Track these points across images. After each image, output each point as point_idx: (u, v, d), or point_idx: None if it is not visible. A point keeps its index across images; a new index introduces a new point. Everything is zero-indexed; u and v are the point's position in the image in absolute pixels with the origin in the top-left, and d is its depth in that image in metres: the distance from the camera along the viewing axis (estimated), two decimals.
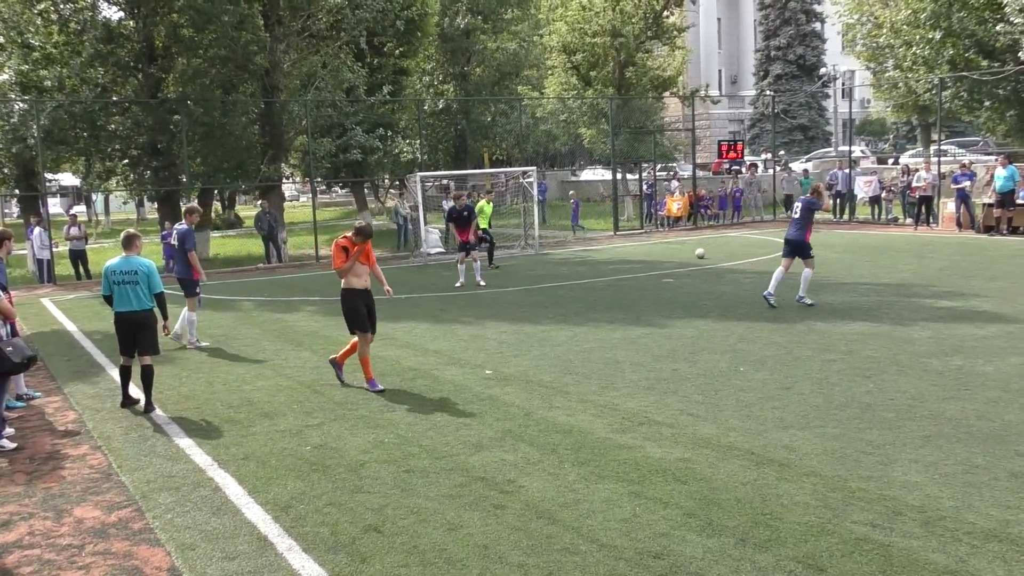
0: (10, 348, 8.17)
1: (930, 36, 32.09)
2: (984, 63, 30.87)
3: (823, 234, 26.49)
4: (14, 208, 51.05)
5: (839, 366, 9.96)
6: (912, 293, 14.87)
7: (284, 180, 36.05)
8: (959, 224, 25.57)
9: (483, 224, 21.24)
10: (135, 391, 9.87)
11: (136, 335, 9.46)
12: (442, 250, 25.47)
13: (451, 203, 20.88)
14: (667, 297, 15.66)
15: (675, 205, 31.63)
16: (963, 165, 26.55)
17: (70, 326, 15.36)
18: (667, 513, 6.04)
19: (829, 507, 6.01)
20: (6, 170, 26.20)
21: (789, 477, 6.60)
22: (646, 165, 34.03)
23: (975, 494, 6.13)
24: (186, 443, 8.17)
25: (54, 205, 42.16)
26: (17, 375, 8.85)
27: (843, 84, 50.97)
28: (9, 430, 8.52)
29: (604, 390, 9.35)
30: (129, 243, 9.58)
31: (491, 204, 22.51)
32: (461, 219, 18.83)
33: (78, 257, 23.39)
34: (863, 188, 30.72)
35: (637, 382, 9.65)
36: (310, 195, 34.35)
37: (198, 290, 13.19)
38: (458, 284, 18.40)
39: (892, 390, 8.88)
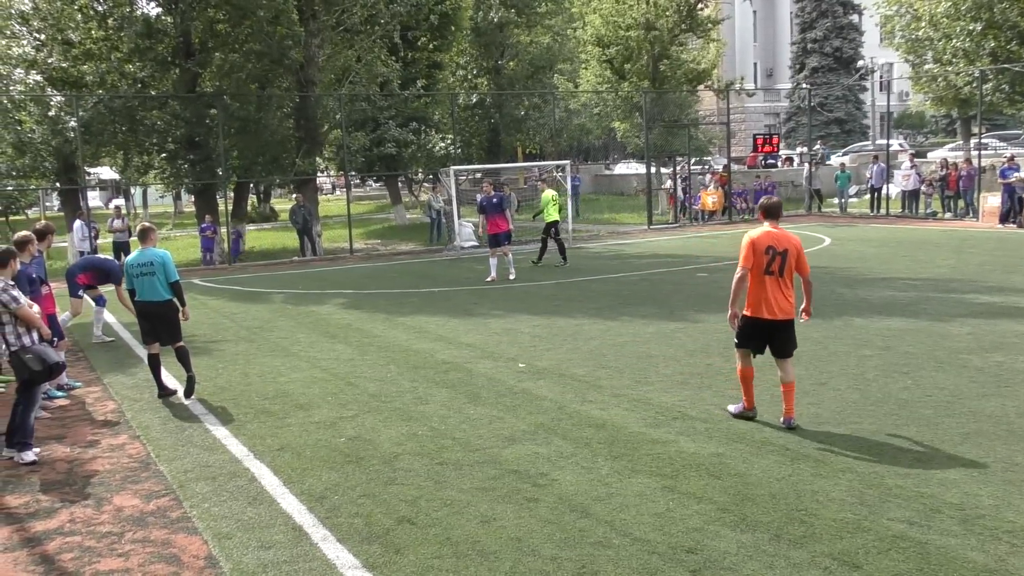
0: (29, 356, 7.87)
1: (971, 28, 31.59)
2: None
3: (859, 229, 26.21)
4: (55, 201, 51.82)
5: (876, 362, 9.85)
6: (951, 288, 14.67)
7: (319, 174, 36.27)
8: (1003, 219, 25.09)
9: (554, 216, 20.40)
10: (170, 380, 10.01)
11: (156, 326, 9.73)
12: (475, 244, 25.50)
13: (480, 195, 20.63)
14: (701, 291, 15.57)
15: (710, 199, 31.45)
16: (1010, 159, 26.11)
17: (109, 317, 15.56)
18: (701, 508, 6.01)
19: (865, 504, 5.95)
20: (47, 164, 26.59)
21: (825, 473, 6.54)
22: (680, 159, 33.85)
23: (1015, 492, 6.04)
24: (222, 433, 8.27)
25: (93, 199, 42.77)
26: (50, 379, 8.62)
27: (881, 77, 50.28)
28: (33, 453, 7.96)
29: (637, 384, 9.33)
30: (145, 236, 9.86)
31: (555, 192, 20.78)
32: (491, 207, 18.53)
33: (121, 249, 23.85)
34: (901, 181, 30.31)
35: (671, 376, 9.62)
36: (344, 189, 34.54)
37: (80, 292, 13.07)
38: (489, 279, 18.15)
39: (930, 386, 8.77)
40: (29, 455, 7.84)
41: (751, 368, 7.90)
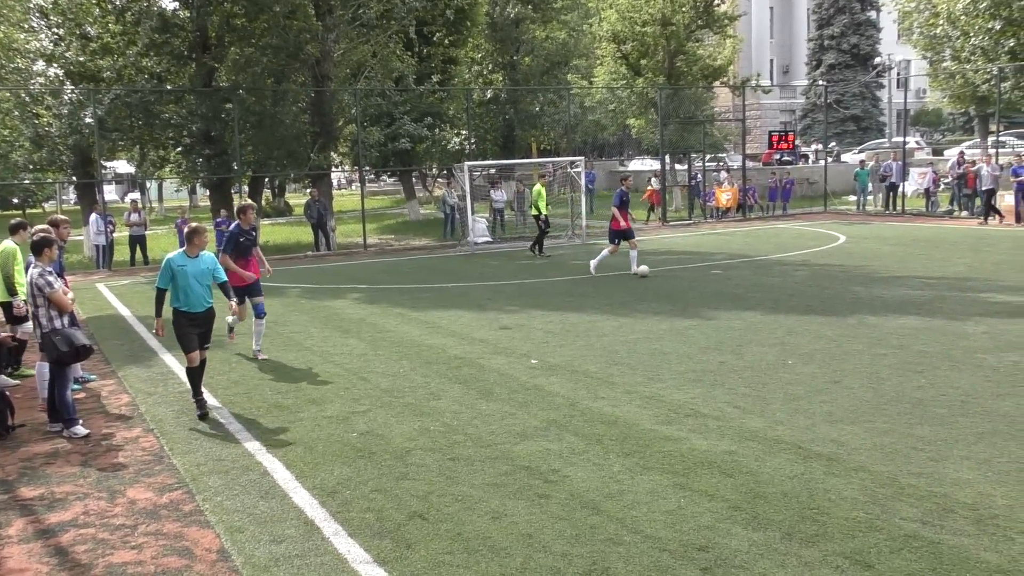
0: (59, 337, 8.33)
1: (989, 26, 31.37)
2: None
3: (874, 227, 26.08)
4: (71, 195, 52.15)
5: (890, 360, 9.81)
6: (967, 287, 14.58)
7: (333, 169, 36.34)
8: (1017, 218, 24.96)
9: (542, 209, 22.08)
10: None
11: None
12: (488, 239, 25.52)
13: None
14: (715, 289, 15.53)
15: (724, 196, 31.36)
16: (1021, 156, 25.93)
17: (124, 311, 15.67)
18: (712, 505, 6.00)
19: (878, 503, 5.93)
20: (64, 158, 26.78)
21: (837, 472, 6.52)
22: (695, 155, 33.76)
23: None
24: (235, 428, 8.31)
25: (109, 192, 42.99)
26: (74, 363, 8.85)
27: (898, 74, 49.93)
28: (82, 427, 8.46)
29: (650, 381, 9.31)
30: (188, 239, 8.99)
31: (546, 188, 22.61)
32: (626, 204, 17.92)
33: (137, 242, 24.04)
34: (917, 180, 30.14)
35: (683, 374, 9.60)
36: (359, 183, 34.60)
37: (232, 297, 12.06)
38: (641, 270, 17.45)
39: (944, 386, 8.72)
40: (80, 430, 8.38)
41: None
